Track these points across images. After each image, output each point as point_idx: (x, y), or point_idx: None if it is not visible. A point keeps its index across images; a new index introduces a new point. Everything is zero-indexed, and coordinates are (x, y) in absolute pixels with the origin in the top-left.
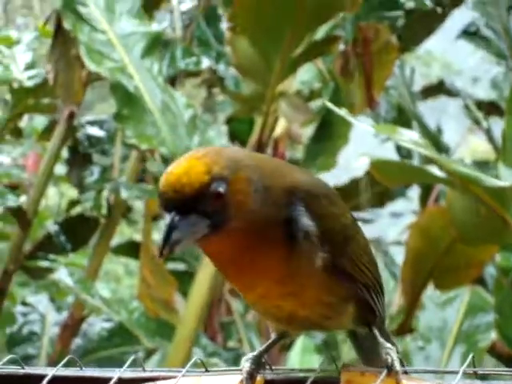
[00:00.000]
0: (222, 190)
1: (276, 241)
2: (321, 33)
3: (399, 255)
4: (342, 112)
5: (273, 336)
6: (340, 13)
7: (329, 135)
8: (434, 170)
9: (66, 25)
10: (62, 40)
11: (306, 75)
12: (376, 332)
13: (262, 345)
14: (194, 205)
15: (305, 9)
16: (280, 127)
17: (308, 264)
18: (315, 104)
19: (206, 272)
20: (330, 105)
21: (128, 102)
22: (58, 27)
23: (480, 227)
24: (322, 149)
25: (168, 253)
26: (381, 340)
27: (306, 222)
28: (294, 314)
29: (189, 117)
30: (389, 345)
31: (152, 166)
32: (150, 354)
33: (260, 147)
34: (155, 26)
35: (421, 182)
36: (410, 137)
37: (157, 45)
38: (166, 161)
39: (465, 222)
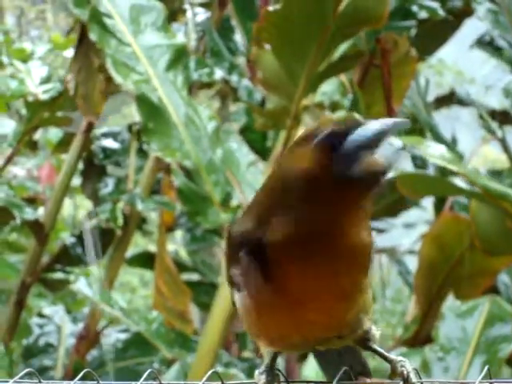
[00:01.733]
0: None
1: None
2: (343, 47)
3: (414, 264)
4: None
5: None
6: (365, 28)
7: None
8: (459, 183)
9: (92, 37)
10: (84, 51)
11: (327, 86)
12: (377, 347)
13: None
14: None
15: (331, 25)
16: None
17: None
18: (336, 115)
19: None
20: (357, 116)
21: (153, 115)
22: (81, 38)
23: (505, 238)
24: None
25: None
26: (386, 354)
27: None
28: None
29: (212, 129)
30: (401, 357)
31: (177, 179)
32: (169, 364)
33: None
34: (180, 39)
35: (447, 195)
36: (437, 150)
37: (181, 57)
38: (188, 172)
39: (489, 233)
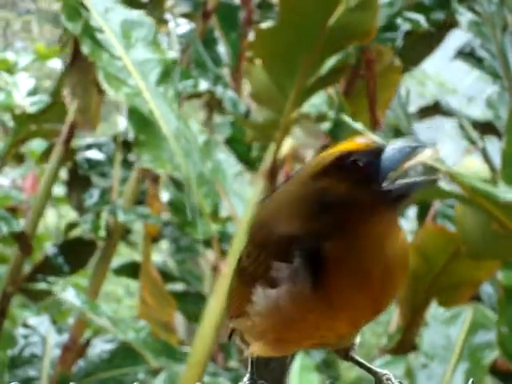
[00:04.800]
0: None
1: None
2: (332, 60)
3: None
4: (359, 126)
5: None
6: (354, 43)
7: None
8: (445, 186)
9: (85, 50)
10: (79, 65)
11: (315, 98)
12: (359, 358)
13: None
14: None
15: (321, 39)
16: (285, 148)
17: None
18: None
19: (217, 297)
20: (348, 119)
21: (144, 127)
22: (75, 52)
23: (490, 241)
24: None
25: None
26: (370, 366)
27: None
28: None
29: (202, 142)
30: (386, 371)
31: (167, 191)
32: (155, 374)
33: (273, 173)
34: (171, 53)
35: (432, 199)
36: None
37: (171, 71)
38: (177, 184)
39: (475, 237)
